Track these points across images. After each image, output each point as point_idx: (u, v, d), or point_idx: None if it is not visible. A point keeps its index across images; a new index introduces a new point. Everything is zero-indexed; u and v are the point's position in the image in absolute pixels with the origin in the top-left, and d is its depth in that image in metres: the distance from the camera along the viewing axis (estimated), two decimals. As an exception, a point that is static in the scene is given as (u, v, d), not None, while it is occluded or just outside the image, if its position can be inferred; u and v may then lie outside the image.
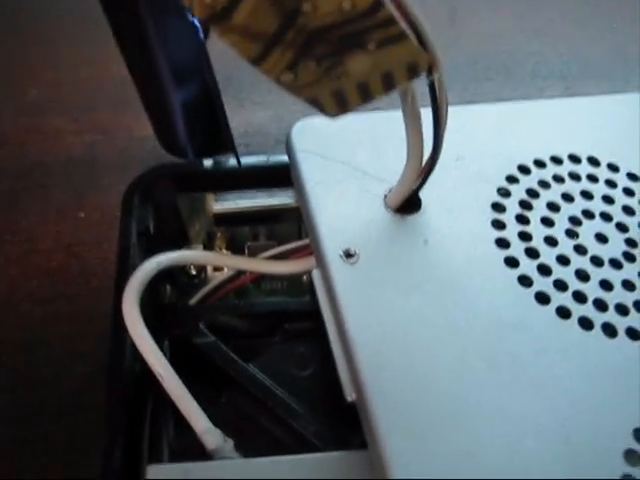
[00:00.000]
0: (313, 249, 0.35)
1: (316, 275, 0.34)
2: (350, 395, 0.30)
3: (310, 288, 0.37)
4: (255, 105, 0.56)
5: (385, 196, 0.36)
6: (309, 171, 0.37)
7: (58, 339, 0.48)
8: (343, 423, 0.33)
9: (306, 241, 0.41)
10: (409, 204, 0.36)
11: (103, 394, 0.43)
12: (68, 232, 0.54)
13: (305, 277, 0.44)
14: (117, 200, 0.53)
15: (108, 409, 0.33)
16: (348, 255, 0.33)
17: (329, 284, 0.32)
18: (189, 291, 0.43)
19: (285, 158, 0.39)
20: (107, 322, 0.47)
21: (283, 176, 0.40)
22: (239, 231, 0.45)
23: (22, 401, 0.46)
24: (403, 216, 0.35)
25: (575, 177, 0.38)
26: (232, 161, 0.42)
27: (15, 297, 0.51)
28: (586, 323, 0.32)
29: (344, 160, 0.37)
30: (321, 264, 0.33)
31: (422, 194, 0.36)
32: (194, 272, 0.45)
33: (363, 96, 0.28)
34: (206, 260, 0.40)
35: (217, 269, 0.44)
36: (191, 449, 0.33)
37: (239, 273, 0.43)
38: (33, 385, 0.46)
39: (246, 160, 0.42)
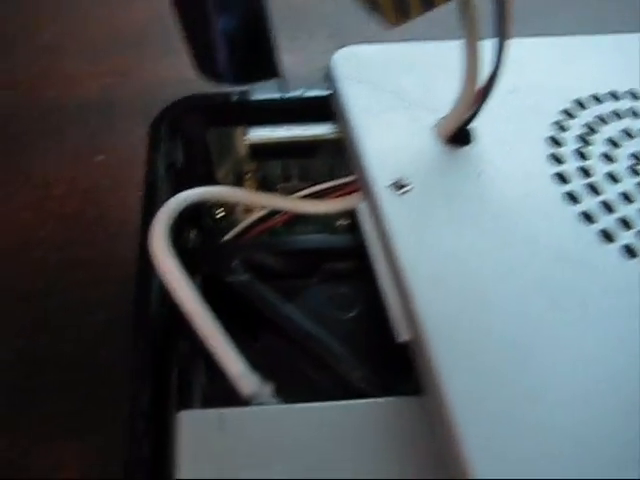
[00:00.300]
0: (359, 180, 0.32)
1: (362, 210, 0.32)
2: (403, 335, 0.28)
3: (348, 230, 0.35)
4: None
5: (435, 127, 0.33)
6: (354, 99, 0.34)
7: (74, 286, 0.45)
8: (390, 369, 0.30)
9: (341, 180, 0.38)
10: (460, 135, 0.33)
11: (123, 342, 0.41)
12: (84, 177, 0.51)
13: (339, 222, 0.40)
14: (135, 145, 0.50)
15: (134, 351, 0.30)
16: (399, 186, 0.31)
17: (378, 216, 0.30)
18: (214, 236, 0.40)
19: (321, 93, 0.36)
20: (125, 269, 0.45)
21: (320, 109, 0.37)
22: (270, 172, 0.42)
23: (37, 350, 0.43)
24: (454, 148, 0.33)
25: (635, 114, 0.35)
26: (264, 94, 0.39)
27: (29, 243, 0.48)
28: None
29: (391, 89, 0.35)
30: (369, 196, 0.31)
31: (473, 126, 0.33)
32: (221, 214, 0.42)
33: (425, 4, 0.26)
34: (240, 198, 0.37)
35: (247, 212, 0.41)
36: (224, 396, 0.31)
37: (270, 215, 0.39)
38: (49, 333, 0.43)
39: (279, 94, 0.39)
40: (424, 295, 0.27)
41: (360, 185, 0.33)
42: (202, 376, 0.31)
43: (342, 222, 0.40)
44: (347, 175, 0.38)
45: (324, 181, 0.40)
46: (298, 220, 0.41)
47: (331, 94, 0.35)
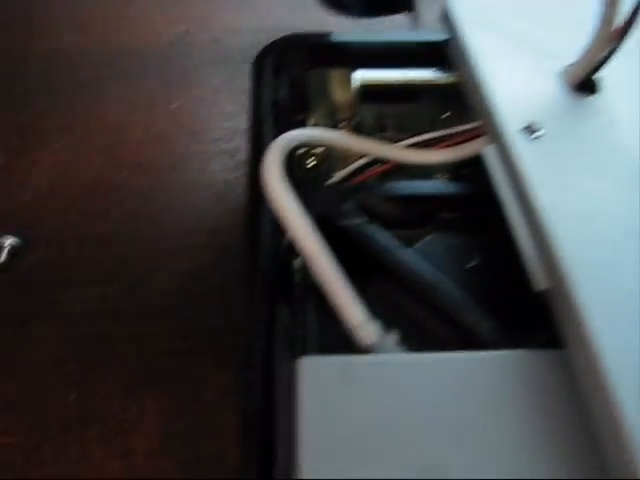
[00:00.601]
0: (486, 125, 0.30)
1: (489, 154, 0.30)
2: (542, 284, 0.26)
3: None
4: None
5: (562, 73, 0.31)
6: (478, 44, 0.33)
7: (148, 235, 0.44)
8: (517, 321, 0.28)
9: (448, 131, 0.36)
10: (588, 83, 0.32)
11: (206, 289, 0.40)
12: (159, 124, 0.49)
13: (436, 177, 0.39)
14: (211, 92, 0.49)
15: (249, 297, 0.28)
16: (531, 131, 0.29)
17: (511, 160, 0.28)
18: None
19: (433, 37, 0.35)
20: (203, 219, 0.43)
21: (430, 53, 0.35)
22: (364, 121, 0.40)
23: (115, 296, 0.41)
24: (581, 96, 0.31)
25: None
26: (368, 35, 0.37)
27: (102, 188, 0.46)
28: None
29: (513, 33, 0.33)
30: (500, 140, 0.29)
31: (601, 76, 0.32)
32: (312, 164, 0.40)
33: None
34: (352, 144, 0.35)
35: (341, 161, 0.39)
36: (340, 345, 0.29)
37: (368, 166, 0.38)
38: (126, 280, 0.42)
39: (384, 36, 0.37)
40: (565, 243, 0.25)
41: (484, 130, 0.32)
42: (315, 322, 0.29)
43: (439, 176, 0.38)
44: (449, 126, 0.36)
45: (421, 132, 0.38)
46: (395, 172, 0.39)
47: (450, 38, 0.33)
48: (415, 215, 0.33)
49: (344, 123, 0.40)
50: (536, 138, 0.29)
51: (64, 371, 0.39)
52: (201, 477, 0.36)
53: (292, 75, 0.37)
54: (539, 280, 0.27)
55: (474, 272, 0.31)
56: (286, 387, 0.27)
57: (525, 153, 0.28)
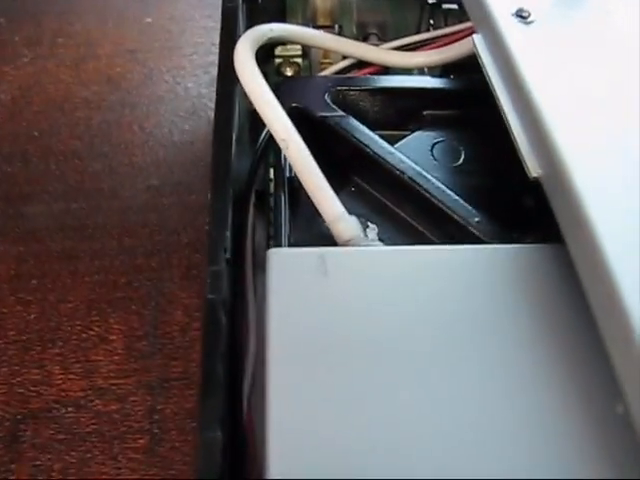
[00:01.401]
0: (477, 11, 0.28)
1: (479, 40, 0.27)
2: (535, 171, 0.23)
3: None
4: None
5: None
6: None
7: (118, 150, 0.41)
8: (511, 220, 0.26)
9: (435, 33, 0.34)
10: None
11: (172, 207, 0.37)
12: (131, 38, 0.46)
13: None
14: (186, 7, 0.46)
15: (213, 192, 0.25)
16: (521, 15, 0.28)
17: (502, 46, 0.26)
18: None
19: None
20: (175, 132, 0.41)
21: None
22: (346, 29, 0.38)
23: (80, 212, 0.39)
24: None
25: None
26: None
27: (70, 103, 0.43)
28: None
29: None
30: (489, 27, 0.27)
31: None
32: (290, 73, 0.37)
33: None
34: (329, 43, 0.33)
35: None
36: (316, 241, 0.27)
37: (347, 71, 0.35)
38: (92, 195, 0.39)
39: None
40: (560, 124, 0.23)
41: (473, 17, 0.30)
42: (287, 217, 0.27)
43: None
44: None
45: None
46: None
47: None
48: (398, 111, 0.31)
49: (323, 31, 0.37)
50: (527, 23, 0.26)
51: (24, 289, 0.37)
52: (166, 400, 0.33)
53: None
54: (533, 167, 0.24)
55: (461, 171, 0.29)
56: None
57: (515, 37, 0.26)
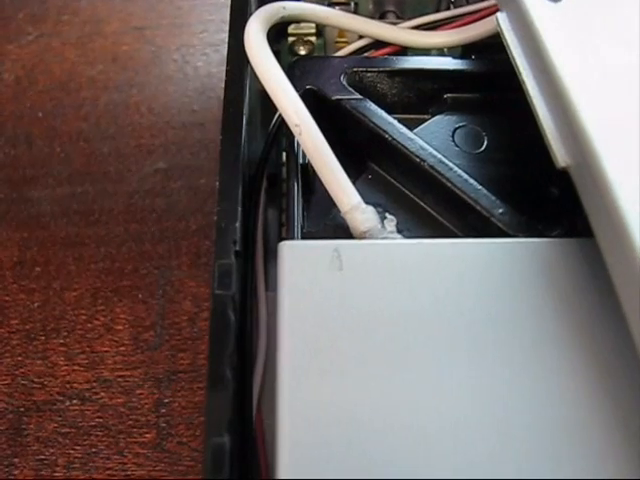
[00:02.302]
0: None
1: (503, 19, 0.25)
2: (564, 160, 0.22)
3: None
4: None
5: None
6: None
7: (125, 132, 0.39)
8: (536, 211, 0.24)
9: (457, 11, 0.32)
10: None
11: (180, 190, 0.36)
12: (138, 15, 0.44)
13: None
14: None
15: (221, 180, 0.24)
16: None
17: (529, 26, 0.24)
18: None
19: None
20: (183, 114, 0.39)
21: None
22: (363, 6, 0.36)
23: (85, 196, 0.37)
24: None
25: None
26: None
27: (75, 83, 0.41)
28: None
29: None
30: (515, 4, 0.25)
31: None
32: (303, 52, 0.35)
33: None
34: (344, 22, 0.31)
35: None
36: (331, 232, 0.25)
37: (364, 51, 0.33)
38: (98, 179, 0.38)
39: None
40: (590, 110, 0.21)
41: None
42: (300, 206, 0.25)
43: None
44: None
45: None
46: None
47: None
48: (418, 94, 0.29)
49: (338, 8, 0.36)
50: (557, 1, 0.25)
51: (28, 276, 0.35)
52: (174, 394, 0.32)
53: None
54: (561, 156, 0.22)
55: (484, 159, 0.27)
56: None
57: (545, 16, 0.24)
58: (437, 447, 0.21)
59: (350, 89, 0.28)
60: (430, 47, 0.32)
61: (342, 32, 0.36)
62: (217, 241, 0.23)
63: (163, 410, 0.32)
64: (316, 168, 0.25)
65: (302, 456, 0.20)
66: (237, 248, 0.23)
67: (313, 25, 0.35)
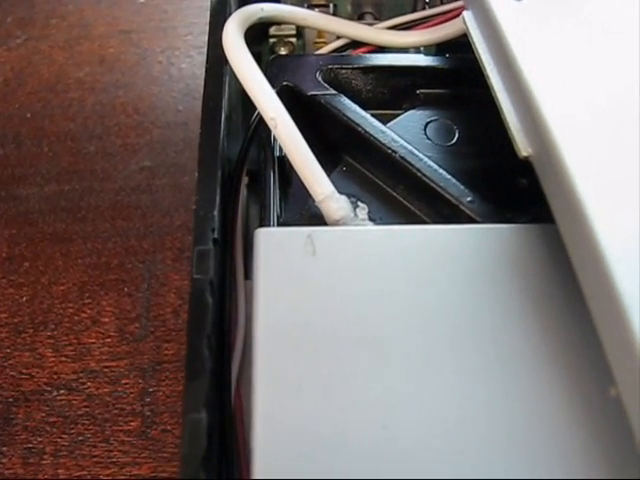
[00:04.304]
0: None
1: (469, 18, 0.27)
2: (525, 150, 0.23)
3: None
4: None
5: None
6: None
7: (111, 131, 0.40)
8: (504, 200, 0.25)
9: (430, 12, 0.33)
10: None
11: (165, 188, 0.37)
12: (125, 18, 0.46)
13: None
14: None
15: (200, 169, 0.25)
16: None
17: (491, 23, 0.25)
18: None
19: None
20: (168, 114, 0.40)
21: None
22: (341, 8, 0.37)
23: (72, 194, 0.38)
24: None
25: None
26: None
27: (63, 84, 0.43)
28: None
29: None
30: (479, 3, 0.26)
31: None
32: (284, 53, 0.37)
33: None
34: (321, 23, 0.32)
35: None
36: (307, 222, 0.26)
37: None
38: (85, 177, 0.39)
39: None
40: (551, 102, 0.22)
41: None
42: (276, 195, 0.27)
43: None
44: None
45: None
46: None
47: None
48: (391, 90, 0.30)
49: (318, 10, 0.37)
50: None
51: (16, 271, 0.36)
52: (158, 383, 0.33)
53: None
54: (523, 146, 0.23)
55: (455, 151, 0.28)
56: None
57: (508, 14, 0.25)
58: (414, 442, 0.21)
59: (325, 85, 0.29)
60: (405, 46, 0.33)
61: (321, 33, 0.37)
62: (195, 228, 0.24)
63: (148, 399, 0.33)
64: (291, 159, 0.26)
65: (277, 456, 0.21)
66: (215, 236, 0.24)
67: (293, 27, 0.36)
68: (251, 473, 0.20)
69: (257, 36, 0.36)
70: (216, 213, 0.24)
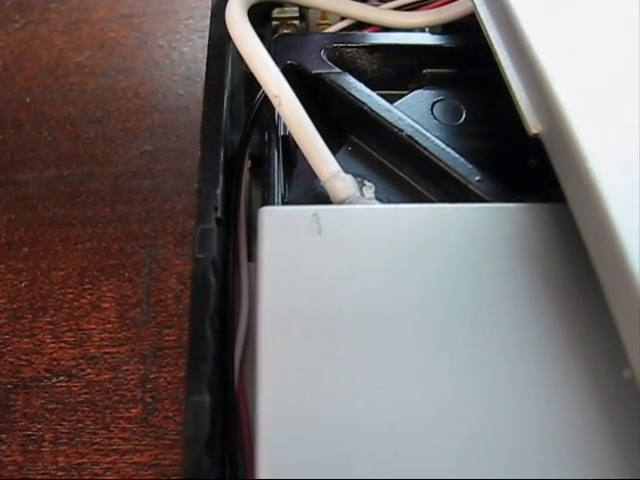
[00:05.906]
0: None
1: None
2: (535, 127, 0.22)
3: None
4: None
5: None
6: None
7: (112, 116, 0.40)
8: (513, 180, 0.25)
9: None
10: None
11: (166, 174, 0.36)
12: (126, 1, 0.45)
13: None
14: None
15: (202, 148, 0.24)
16: None
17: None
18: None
19: None
20: (170, 100, 0.40)
21: None
22: None
23: (72, 178, 0.38)
24: None
25: None
26: None
27: (63, 69, 0.42)
28: None
29: None
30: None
31: None
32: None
33: None
34: (326, 3, 0.32)
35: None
36: (312, 202, 0.26)
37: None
38: (84, 161, 0.38)
39: None
40: (561, 79, 0.22)
41: None
42: (281, 176, 0.26)
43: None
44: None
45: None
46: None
47: None
48: (397, 69, 0.30)
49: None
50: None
51: (15, 256, 0.36)
52: (159, 369, 0.32)
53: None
54: (533, 123, 0.23)
55: (462, 131, 0.28)
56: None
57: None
58: (421, 439, 0.20)
59: (330, 64, 0.29)
60: (410, 27, 0.32)
61: (325, 14, 0.36)
62: (198, 207, 0.23)
63: (149, 385, 0.33)
64: (296, 138, 0.25)
65: (282, 435, 0.20)
66: (218, 215, 0.24)
67: (296, 9, 0.36)
68: (255, 458, 0.19)
69: (260, 19, 0.35)
70: (219, 192, 0.24)
